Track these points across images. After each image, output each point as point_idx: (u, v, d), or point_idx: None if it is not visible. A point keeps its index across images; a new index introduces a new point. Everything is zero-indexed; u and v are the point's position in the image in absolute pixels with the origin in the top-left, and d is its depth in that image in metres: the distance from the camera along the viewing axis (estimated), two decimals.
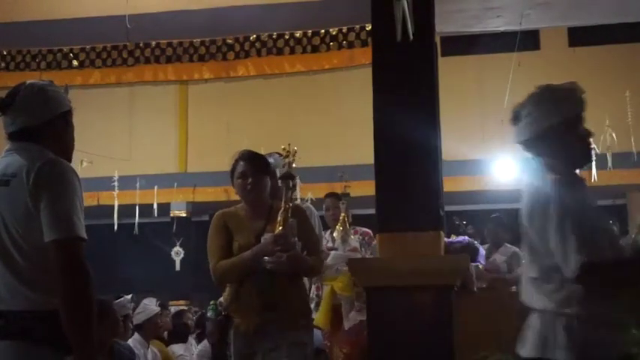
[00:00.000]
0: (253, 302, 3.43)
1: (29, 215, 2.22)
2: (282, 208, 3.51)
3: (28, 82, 2.51)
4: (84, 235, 2.23)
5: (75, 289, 2.16)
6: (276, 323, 3.41)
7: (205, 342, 7.08)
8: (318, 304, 4.79)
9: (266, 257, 3.41)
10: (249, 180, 3.56)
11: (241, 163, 3.65)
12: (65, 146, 2.47)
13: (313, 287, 5.01)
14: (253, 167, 3.60)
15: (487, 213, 12.63)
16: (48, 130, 2.40)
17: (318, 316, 4.62)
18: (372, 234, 5.00)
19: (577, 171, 2.58)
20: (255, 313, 3.43)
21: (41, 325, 2.20)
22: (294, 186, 4.34)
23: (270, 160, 4.29)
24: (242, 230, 3.53)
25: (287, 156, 4.14)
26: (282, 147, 4.10)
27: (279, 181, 3.82)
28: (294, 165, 4.11)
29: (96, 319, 2.22)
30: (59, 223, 2.19)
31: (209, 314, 3.33)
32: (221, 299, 3.70)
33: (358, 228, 5.49)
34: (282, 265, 3.40)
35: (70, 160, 2.46)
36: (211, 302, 3.44)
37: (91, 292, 2.19)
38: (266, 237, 3.45)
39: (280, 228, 3.45)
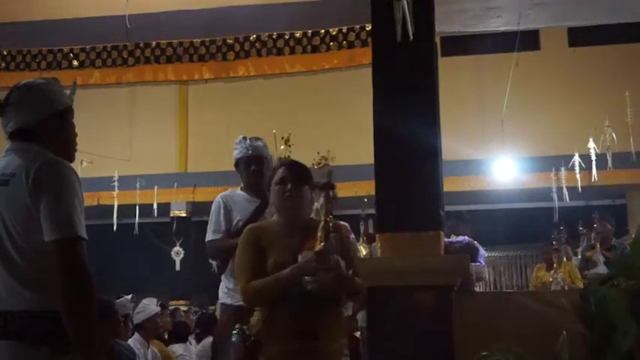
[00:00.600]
0: (289, 328, 3.01)
1: (28, 215, 2.21)
2: (323, 222, 3.09)
3: (24, 81, 2.49)
4: (84, 234, 2.22)
5: (76, 290, 2.15)
6: (315, 353, 3.03)
7: (205, 342, 7.09)
8: None
9: (306, 277, 3.02)
10: (289, 186, 3.15)
11: (282, 168, 3.25)
12: (64, 144, 2.45)
13: None
14: (294, 174, 3.21)
15: (487, 213, 12.68)
16: (44, 128, 2.38)
17: None
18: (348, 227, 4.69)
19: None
20: (290, 340, 3.01)
21: (40, 326, 2.19)
22: (335, 197, 4.23)
23: (259, 143, 4.52)
24: (277, 247, 3.12)
25: (325, 163, 3.85)
26: (318, 153, 3.87)
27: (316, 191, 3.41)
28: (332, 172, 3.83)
29: (97, 319, 2.21)
30: (59, 223, 2.18)
31: (234, 339, 3.13)
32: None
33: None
34: (326, 286, 3.02)
35: (71, 159, 2.44)
36: (236, 326, 3.21)
37: (91, 291, 2.18)
38: (306, 254, 3.04)
39: (321, 244, 3.04)
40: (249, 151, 4.47)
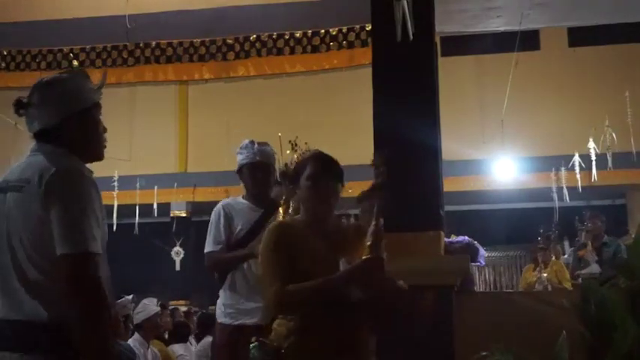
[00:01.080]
0: (327, 342, 2.64)
1: (40, 225, 2.10)
2: (374, 226, 2.72)
3: (46, 77, 2.37)
4: (96, 249, 2.10)
5: (85, 306, 2.05)
6: None
7: (204, 342, 7.09)
8: None
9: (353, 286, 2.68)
10: (324, 183, 2.81)
11: (314, 162, 2.86)
12: (90, 144, 2.32)
13: None
14: (330, 169, 2.86)
15: (487, 213, 12.68)
16: (67, 128, 2.25)
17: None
18: None
19: None
20: (327, 356, 2.66)
21: (48, 337, 2.09)
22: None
23: (267, 149, 4.26)
24: (306, 249, 2.74)
25: (380, 165, 3.64)
26: (372, 160, 3.67)
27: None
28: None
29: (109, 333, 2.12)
30: (69, 237, 2.06)
31: (253, 354, 2.81)
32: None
33: None
34: (378, 299, 2.72)
35: (99, 157, 2.34)
36: (253, 339, 2.87)
37: (100, 308, 2.07)
38: (349, 260, 2.69)
39: (370, 252, 2.67)
40: (257, 158, 4.13)
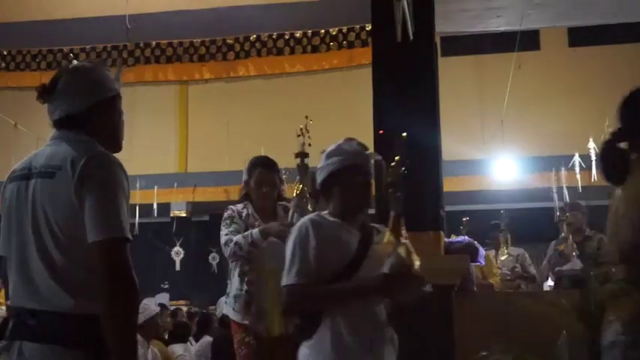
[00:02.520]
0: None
1: (73, 211, 2.04)
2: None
3: (72, 65, 2.34)
4: (129, 236, 2.07)
5: (119, 294, 2.00)
6: None
7: (203, 341, 7.09)
8: (249, 304, 3.79)
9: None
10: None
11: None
12: (112, 133, 2.29)
13: (238, 280, 3.89)
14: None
15: (487, 213, 12.67)
16: (92, 116, 2.22)
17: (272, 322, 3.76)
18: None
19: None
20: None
21: (76, 329, 2.03)
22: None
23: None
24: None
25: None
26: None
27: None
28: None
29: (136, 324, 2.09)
30: (103, 223, 2.02)
31: None
32: None
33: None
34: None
35: (119, 148, 2.30)
36: None
37: (134, 296, 2.05)
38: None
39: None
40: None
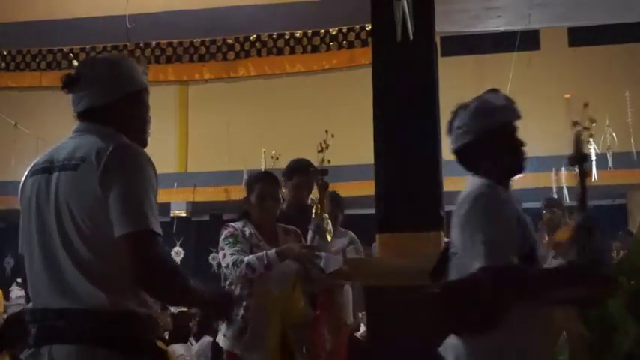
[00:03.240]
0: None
1: (98, 204, 1.94)
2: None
3: (99, 56, 2.28)
4: (158, 229, 1.96)
5: (154, 286, 1.94)
6: None
7: (203, 340, 7.08)
8: (243, 330, 3.47)
9: None
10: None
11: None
12: (138, 128, 2.19)
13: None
14: None
15: None
16: (119, 109, 2.13)
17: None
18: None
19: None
20: None
21: (111, 327, 1.93)
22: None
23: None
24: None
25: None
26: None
27: None
28: None
29: (189, 289, 2.02)
30: (129, 216, 1.92)
31: None
32: None
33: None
34: None
35: (144, 144, 2.19)
36: None
37: (175, 279, 1.98)
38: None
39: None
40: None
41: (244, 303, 3.48)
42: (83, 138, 2.09)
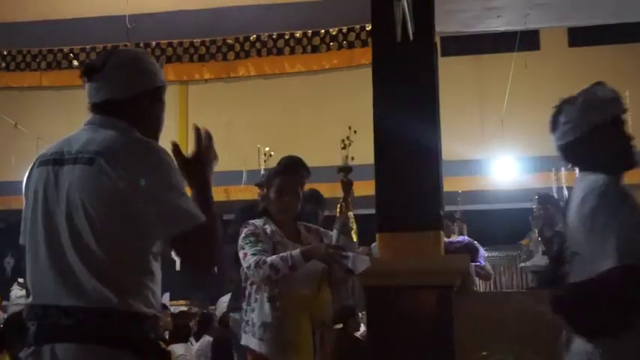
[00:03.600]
0: None
1: (116, 201, 1.89)
2: None
3: (123, 48, 2.21)
4: (201, 218, 1.93)
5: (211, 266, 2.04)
6: None
7: (203, 340, 7.09)
8: (281, 334, 3.40)
9: None
10: None
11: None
12: (152, 125, 2.17)
13: (268, 306, 3.44)
14: None
15: (487, 213, 12.67)
16: (136, 104, 2.09)
17: None
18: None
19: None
20: None
21: (119, 328, 1.89)
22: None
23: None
24: None
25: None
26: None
27: None
28: None
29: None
30: (173, 217, 1.91)
31: None
32: None
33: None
34: None
35: (156, 141, 2.17)
36: None
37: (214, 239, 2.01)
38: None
39: None
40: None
41: (277, 303, 3.37)
42: (98, 131, 2.02)
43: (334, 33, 12.41)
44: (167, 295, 5.86)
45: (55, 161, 2.00)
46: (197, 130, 2.16)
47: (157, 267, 2.07)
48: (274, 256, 3.33)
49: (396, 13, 3.48)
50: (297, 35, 12.53)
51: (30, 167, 2.08)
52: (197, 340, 7.41)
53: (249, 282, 3.51)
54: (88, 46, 13.14)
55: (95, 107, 2.09)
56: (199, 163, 2.08)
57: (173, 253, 1.94)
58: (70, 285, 1.90)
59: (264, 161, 8.99)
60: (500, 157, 11.49)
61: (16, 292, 11.05)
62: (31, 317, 1.94)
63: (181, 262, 1.97)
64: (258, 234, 3.46)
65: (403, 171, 3.58)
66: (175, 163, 2.02)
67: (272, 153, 8.84)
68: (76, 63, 13.04)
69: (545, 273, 4.62)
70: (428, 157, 3.62)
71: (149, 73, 2.15)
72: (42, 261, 1.95)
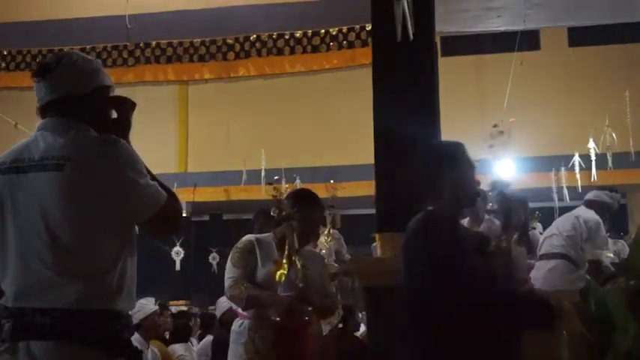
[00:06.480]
0: None
1: (88, 202, 1.96)
2: None
3: (70, 51, 2.26)
4: (164, 198, 2.08)
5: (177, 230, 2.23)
6: None
7: (205, 340, 7.09)
8: None
9: None
10: None
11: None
12: (105, 123, 2.18)
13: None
14: None
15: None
16: (92, 102, 2.12)
17: None
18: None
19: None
20: None
21: (91, 326, 1.96)
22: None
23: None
24: None
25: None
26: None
27: None
28: None
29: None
30: (141, 204, 2.05)
31: None
32: None
33: None
34: None
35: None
36: None
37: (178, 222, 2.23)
38: None
39: None
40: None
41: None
42: (58, 135, 2.04)
43: (334, 33, 12.40)
44: (152, 300, 5.87)
45: (17, 169, 2.03)
46: (123, 99, 2.29)
47: (131, 266, 2.14)
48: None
49: (396, 13, 3.49)
50: (297, 35, 12.53)
51: None
52: (199, 341, 7.42)
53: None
54: (88, 46, 13.12)
55: (49, 108, 2.11)
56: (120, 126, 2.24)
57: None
58: (45, 287, 1.96)
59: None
60: (500, 157, 11.49)
61: None
62: (6, 315, 1.99)
63: (151, 237, 2.20)
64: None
65: (403, 171, 3.58)
66: (133, 149, 2.13)
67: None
68: None
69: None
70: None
71: (99, 72, 2.19)
72: (13, 266, 2.01)
